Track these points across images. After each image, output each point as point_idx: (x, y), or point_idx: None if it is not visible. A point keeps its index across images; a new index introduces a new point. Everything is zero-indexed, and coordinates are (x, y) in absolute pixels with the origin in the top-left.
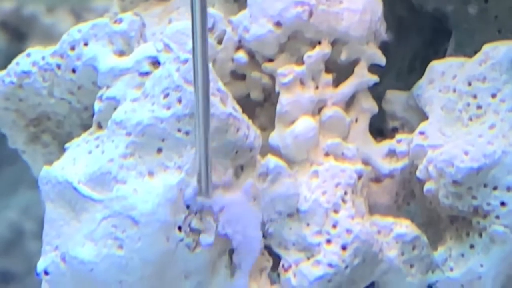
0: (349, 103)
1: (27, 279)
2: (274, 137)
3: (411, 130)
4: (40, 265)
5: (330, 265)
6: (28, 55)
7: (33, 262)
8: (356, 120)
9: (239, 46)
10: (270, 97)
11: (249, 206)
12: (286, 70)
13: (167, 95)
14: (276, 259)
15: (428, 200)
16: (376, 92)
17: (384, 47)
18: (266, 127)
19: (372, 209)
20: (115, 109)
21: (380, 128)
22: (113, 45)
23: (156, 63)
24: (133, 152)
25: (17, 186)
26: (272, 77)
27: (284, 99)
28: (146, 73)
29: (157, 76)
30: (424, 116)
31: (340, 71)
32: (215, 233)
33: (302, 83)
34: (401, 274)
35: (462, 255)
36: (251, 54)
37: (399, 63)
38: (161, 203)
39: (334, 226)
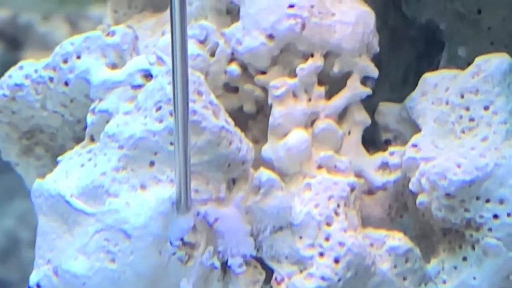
0: (342, 115)
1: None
2: (267, 149)
3: (404, 142)
4: (33, 279)
5: (322, 278)
6: (21, 67)
7: (28, 270)
8: (349, 133)
9: (232, 58)
10: (262, 109)
11: (240, 219)
12: (279, 83)
13: (159, 108)
14: (269, 272)
15: (421, 213)
16: (370, 104)
17: (377, 59)
18: (259, 139)
19: (365, 222)
20: (107, 122)
21: (373, 140)
22: (105, 58)
23: (148, 76)
24: (126, 166)
25: (14, 194)
26: (265, 89)
27: (277, 112)
28: (139, 86)
29: (149, 89)
30: (417, 128)
31: (332, 83)
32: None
33: (294, 95)
34: (394, 287)
35: (455, 268)
36: (244, 67)
37: (392, 75)
38: (154, 216)
39: (327, 239)
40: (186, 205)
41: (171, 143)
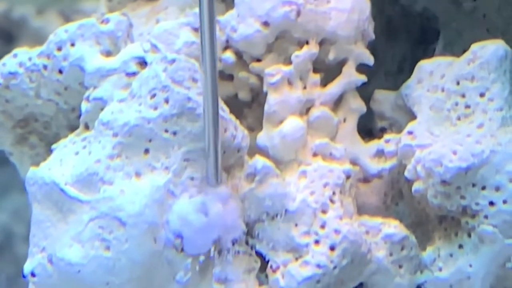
0: (337, 103)
1: (17, 281)
2: (262, 137)
3: (400, 130)
4: (27, 267)
5: (318, 265)
6: (15, 55)
7: (23, 265)
8: (344, 120)
9: (227, 46)
10: (258, 97)
11: (234, 207)
12: (274, 70)
13: (154, 96)
14: (264, 260)
15: (417, 200)
16: (365, 92)
17: (373, 47)
18: (254, 127)
19: (361, 210)
20: (102, 109)
21: (368, 128)
22: (100, 45)
23: (143, 63)
24: (120, 153)
25: (8, 189)
26: (260, 77)
27: (272, 99)
28: (133, 74)
29: (144, 76)
30: (412, 116)
31: (328, 71)
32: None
33: (290, 83)
34: (389, 275)
35: (451, 255)
36: (239, 54)
37: (388, 63)
38: (148, 204)
39: (322, 226)
40: (216, 178)
41: (166, 130)
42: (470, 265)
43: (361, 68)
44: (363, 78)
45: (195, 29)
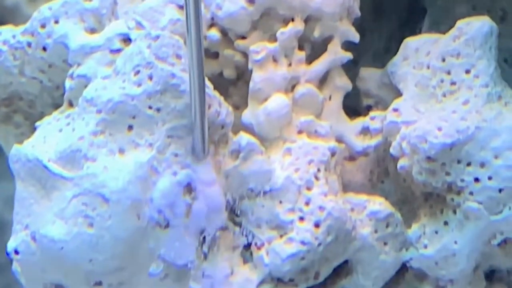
0: (323, 80)
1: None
2: (247, 114)
3: (385, 108)
4: (11, 244)
5: (303, 242)
6: None
7: None
8: (330, 98)
9: (212, 23)
10: (243, 75)
11: (218, 186)
12: (259, 47)
13: (138, 72)
14: (249, 237)
15: (402, 178)
16: (353, 73)
17: (360, 27)
18: (240, 105)
19: (346, 188)
20: (86, 87)
21: (355, 107)
22: (84, 22)
23: (127, 40)
24: (104, 130)
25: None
26: (245, 54)
27: (257, 77)
28: (117, 50)
29: (128, 53)
30: (398, 93)
31: (313, 48)
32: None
33: (275, 60)
34: (374, 252)
35: (436, 232)
36: (224, 32)
37: (375, 43)
38: (132, 180)
39: (307, 203)
40: (204, 151)
41: (150, 107)
42: (455, 242)
43: (349, 47)
44: (348, 55)
45: (180, 7)
